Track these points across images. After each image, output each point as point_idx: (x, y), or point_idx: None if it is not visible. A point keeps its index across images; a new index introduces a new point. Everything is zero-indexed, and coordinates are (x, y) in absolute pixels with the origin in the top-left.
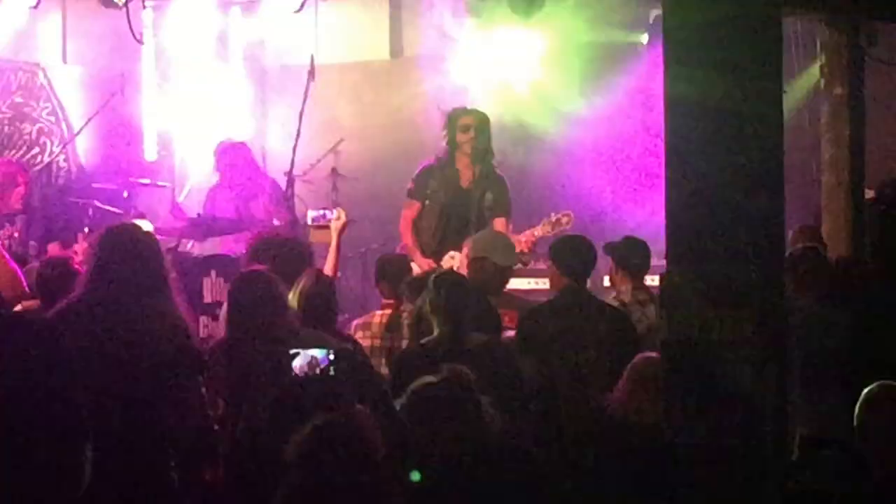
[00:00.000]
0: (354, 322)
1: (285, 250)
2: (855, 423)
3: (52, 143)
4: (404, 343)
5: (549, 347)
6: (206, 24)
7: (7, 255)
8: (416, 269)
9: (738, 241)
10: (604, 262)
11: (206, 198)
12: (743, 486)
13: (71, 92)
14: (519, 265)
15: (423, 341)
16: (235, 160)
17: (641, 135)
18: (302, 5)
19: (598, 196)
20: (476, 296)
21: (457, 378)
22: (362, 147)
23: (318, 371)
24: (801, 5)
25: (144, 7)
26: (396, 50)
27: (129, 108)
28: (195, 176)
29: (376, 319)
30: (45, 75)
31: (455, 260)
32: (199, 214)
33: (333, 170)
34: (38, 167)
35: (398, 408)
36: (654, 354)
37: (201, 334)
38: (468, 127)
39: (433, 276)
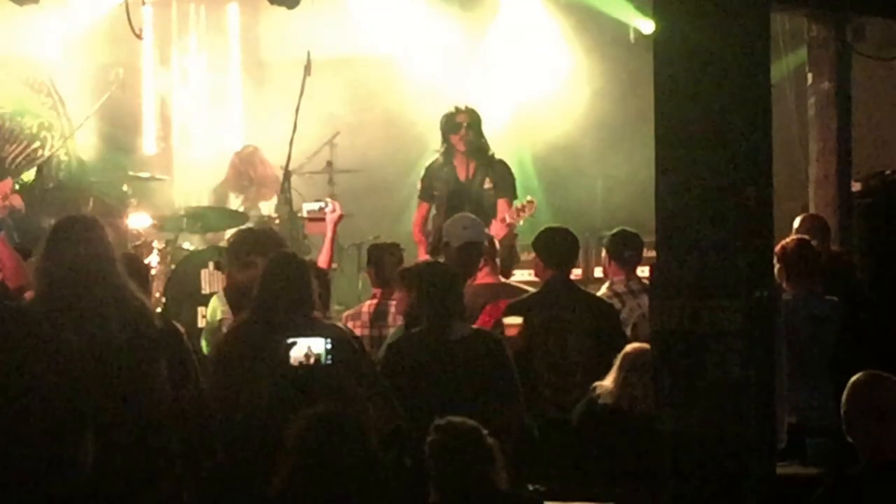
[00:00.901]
0: (345, 313)
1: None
2: (841, 410)
3: (52, 138)
4: (391, 331)
5: (535, 338)
6: (204, 20)
7: (9, 248)
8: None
9: (728, 233)
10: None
11: (214, 192)
12: (731, 473)
13: (71, 87)
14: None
15: (412, 331)
16: (256, 170)
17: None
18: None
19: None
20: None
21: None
22: (358, 141)
23: (314, 360)
24: (788, 0)
25: (144, 3)
26: (392, 45)
27: (128, 103)
28: (196, 169)
29: (365, 309)
30: (47, 70)
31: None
32: (197, 207)
33: (329, 163)
34: (38, 161)
35: None
36: (645, 345)
37: (200, 325)
38: (460, 125)
39: (420, 266)
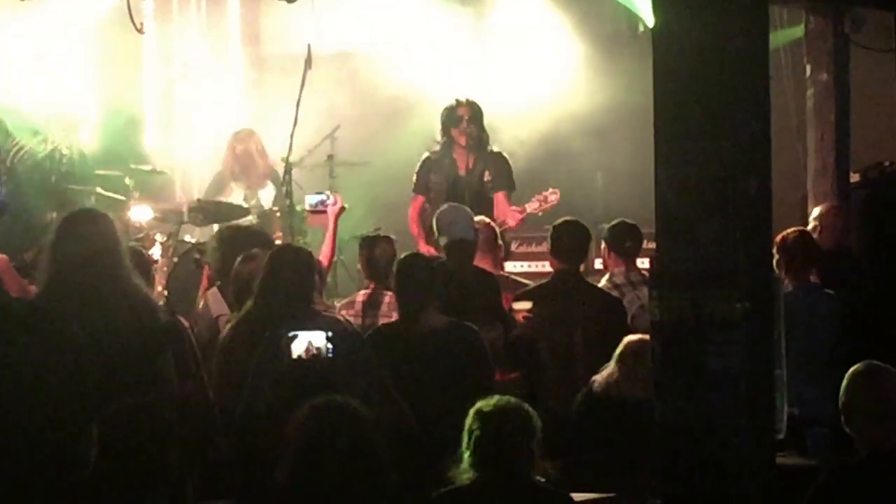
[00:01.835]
0: (339, 303)
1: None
2: (840, 401)
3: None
4: (383, 321)
5: (540, 330)
6: (205, 13)
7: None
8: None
9: (727, 224)
10: (596, 245)
11: (212, 183)
12: (730, 463)
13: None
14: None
15: (386, 322)
16: (250, 147)
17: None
18: None
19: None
20: (439, 278)
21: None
22: (358, 134)
23: (315, 354)
24: None
25: None
26: (392, 38)
27: (130, 96)
28: (197, 162)
29: (359, 298)
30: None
31: None
32: (198, 200)
33: (330, 156)
34: (41, 155)
35: None
36: (644, 336)
37: None
38: (461, 118)
39: (399, 258)
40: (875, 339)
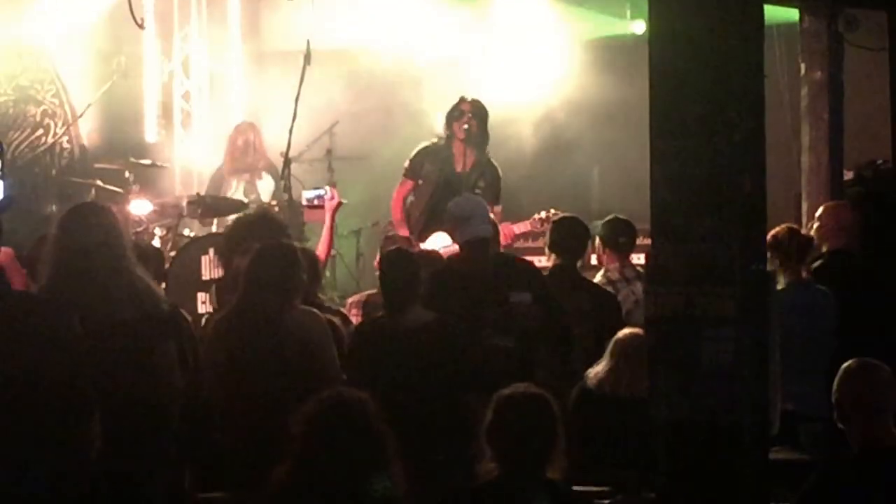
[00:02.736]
0: (349, 300)
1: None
2: (833, 397)
3: (55, 125)
4: None
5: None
6: (205, 9)
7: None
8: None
9: (722, 221)
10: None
11: (212, 178)
12: (725, 459)
13: (74, 74)
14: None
15: (374, 317)
16: (250, 138)
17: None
18: None
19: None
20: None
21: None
22: (357, 129)
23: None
24: None
25: None
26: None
27: (130, 90)
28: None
29: (365, 298)
30: (50, 58)
31: (440, 239)
32: (197, 194)
33: (328, 151)
34: (41, 148)
35: None
36: (638, 330)
37: (199, 311)
38: (463, 113)
39: (381, 254)
40: (869, 337)
